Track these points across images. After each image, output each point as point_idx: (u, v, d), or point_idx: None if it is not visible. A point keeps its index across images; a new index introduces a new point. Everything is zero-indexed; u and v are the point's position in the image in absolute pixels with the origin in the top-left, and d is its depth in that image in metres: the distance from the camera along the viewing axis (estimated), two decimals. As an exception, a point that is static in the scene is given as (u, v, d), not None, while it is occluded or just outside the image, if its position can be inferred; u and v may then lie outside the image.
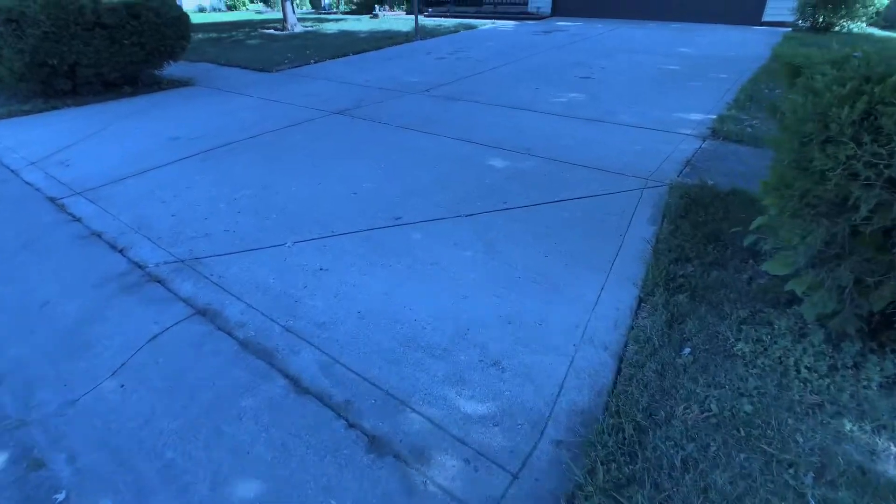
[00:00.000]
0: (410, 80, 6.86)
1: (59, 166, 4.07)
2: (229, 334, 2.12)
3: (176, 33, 6.55)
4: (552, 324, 2.11)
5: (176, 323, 2.20)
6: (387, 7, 16.93)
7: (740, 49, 8.56)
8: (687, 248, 2.51)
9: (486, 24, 13.17)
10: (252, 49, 10.01)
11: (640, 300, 2.23)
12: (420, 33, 10.90)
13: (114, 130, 4.97)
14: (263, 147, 4.36)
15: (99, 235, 3.00)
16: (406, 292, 2.35)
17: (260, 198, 3.38)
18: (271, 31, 12.83)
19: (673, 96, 5.60)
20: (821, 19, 9.73)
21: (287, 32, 12.36)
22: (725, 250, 2.50)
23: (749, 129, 4.27)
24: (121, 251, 2.81)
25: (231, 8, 26.71)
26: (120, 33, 5.91)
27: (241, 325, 2.17)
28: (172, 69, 7.41)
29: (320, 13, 20.38)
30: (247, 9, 26.24)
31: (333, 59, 8.79)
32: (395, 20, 14.79)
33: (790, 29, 10.48)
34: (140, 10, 6.06)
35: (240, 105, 5.83)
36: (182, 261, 2.68)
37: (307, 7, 24.97)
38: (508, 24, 13.25)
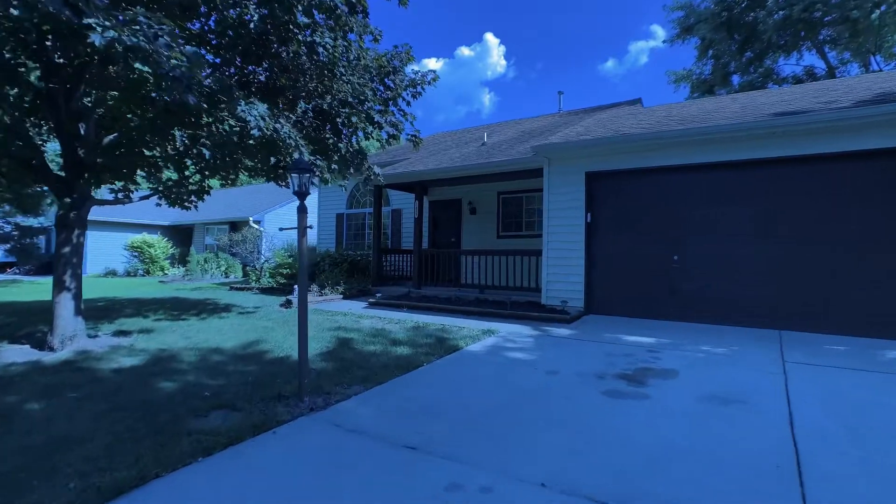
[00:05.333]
0: None
1: None
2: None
3: None
4: None
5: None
6: (316, 288, 11.19)
7: None
8: None
9: (473, 336, 6.79)
10: None
11: None
12: (311, 387, 4.12)
13: None
14: None
15: None
16: None
17: None
18: (26, 346, 6.11)
19: None
20: None
21: (42, 356, 5.58)
22: None
23: None
24: None
25: (148, 272, 21.80)
26: None
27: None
28: None
29: (233, 286, 14.75)
30: (165, 273, 21.30)
31: None
32: (312, 315, 8.62)
33: None
34: None
35: None
36: None
37: (237, 274, 19.99)
38: (518, 335, 6.93)
